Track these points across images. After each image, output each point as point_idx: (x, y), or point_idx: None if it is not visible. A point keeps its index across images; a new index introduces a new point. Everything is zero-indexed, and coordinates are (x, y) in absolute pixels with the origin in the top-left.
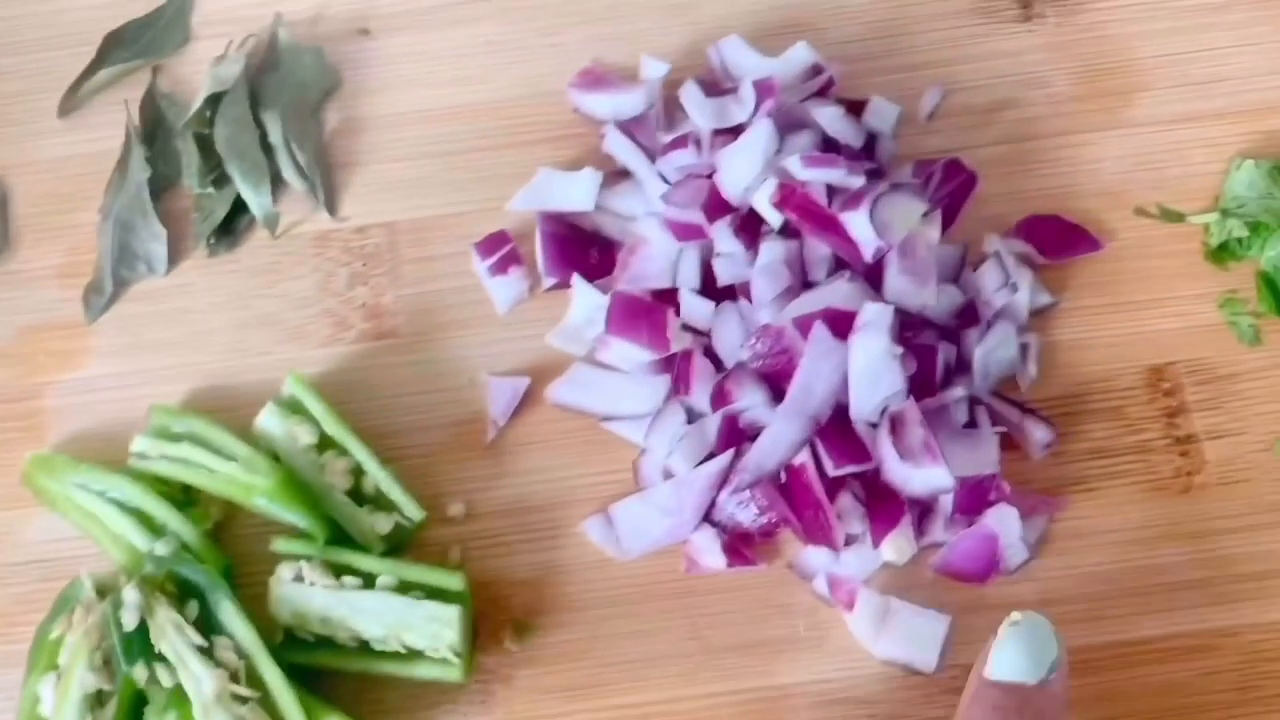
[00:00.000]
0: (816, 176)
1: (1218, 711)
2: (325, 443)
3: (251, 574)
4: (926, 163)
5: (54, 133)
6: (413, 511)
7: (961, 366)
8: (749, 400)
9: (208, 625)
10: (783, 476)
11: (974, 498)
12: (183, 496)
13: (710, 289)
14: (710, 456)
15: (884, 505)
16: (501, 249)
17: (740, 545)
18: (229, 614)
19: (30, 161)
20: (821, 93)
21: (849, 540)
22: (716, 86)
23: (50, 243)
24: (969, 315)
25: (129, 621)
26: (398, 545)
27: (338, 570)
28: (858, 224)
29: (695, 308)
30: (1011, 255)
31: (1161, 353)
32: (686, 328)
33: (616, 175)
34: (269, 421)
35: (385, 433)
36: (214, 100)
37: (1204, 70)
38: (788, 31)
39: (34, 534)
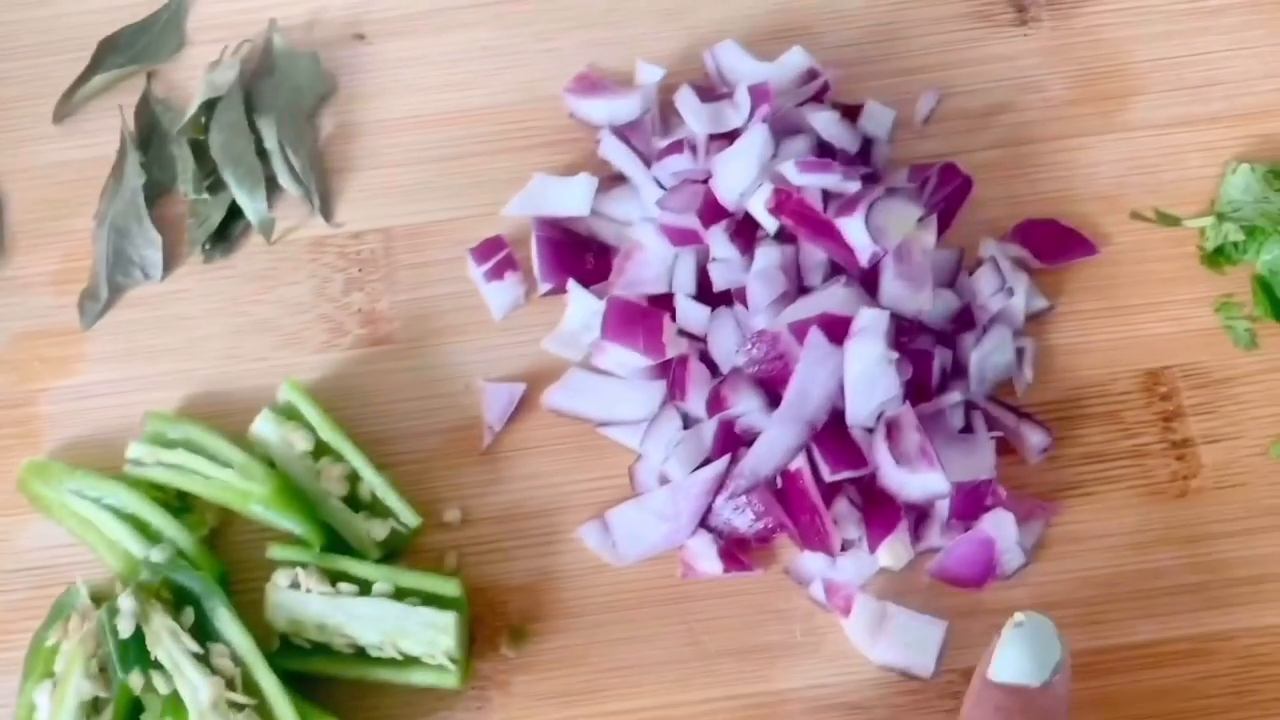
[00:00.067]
0: (812, 182)
1: (1214, 715)
2: (321, 449)
3: (247, 580)
4: (922, 167)
5: (49, 138)
6: (409, 517)
7: (957, 371)
8: (745, 405)
9: (203, 632)
10: (779, 482)
11: (970, 503)
12: (178, 503)
13: (706, 294)
14: (706, 462)
15: (880, 510)
16: (497, 254)
17: (736, 551)
18: (225, 621)
19: (25, 167)
20: (817, 97)
21: (845, 545)
22: (712, 91)
23: (45, 249)
24: (965, 320)
25: (125, 629)
26: (394, 551)
27: (334, 577)
28: (853, 229)
29: (691, 313)
30: (1007, 259)
31: (1157, 357)
32: (682, 333)
33: (612, 180)
34: (264, 428)
35: (381, 439)
36: (209, 106)
37: (1199, 74)
38: (783, 36)
39: (29, 541)
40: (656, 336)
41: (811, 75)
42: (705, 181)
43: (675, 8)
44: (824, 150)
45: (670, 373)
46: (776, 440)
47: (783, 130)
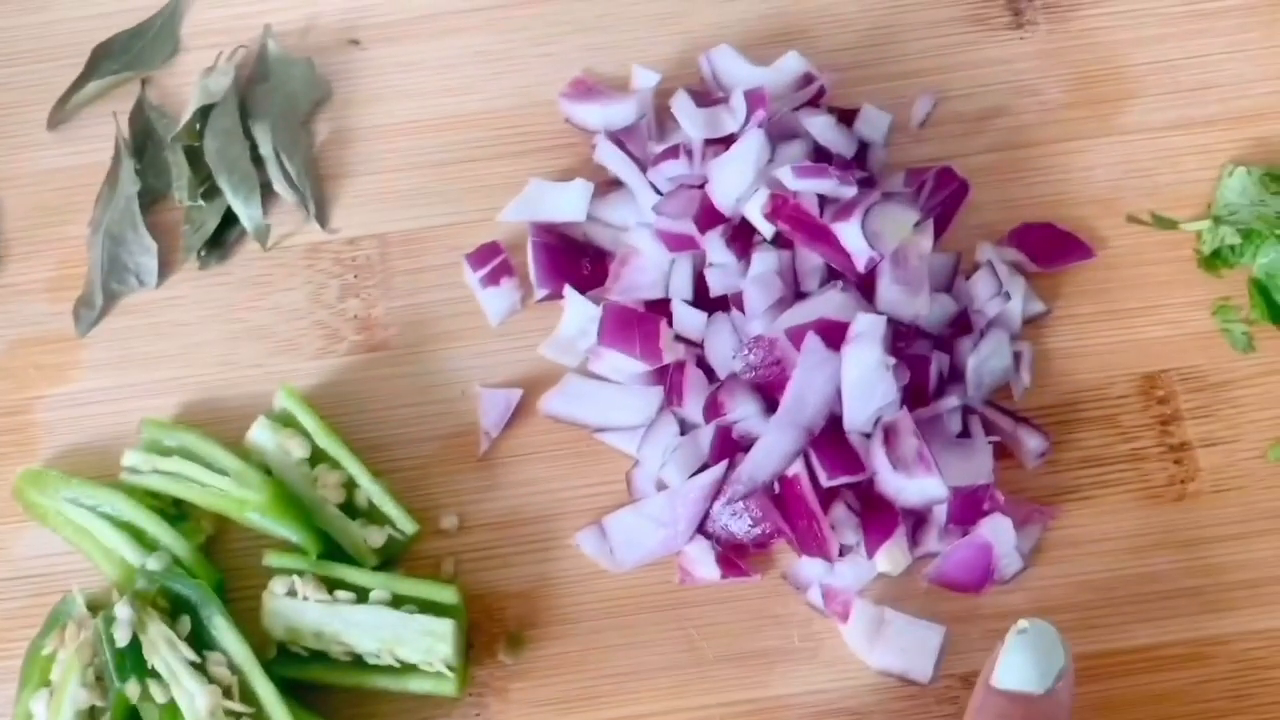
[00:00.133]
0: (808, 186)
1: (1212, 719)
2: (317, 456)
3: (244, 589)
4: (918, 171)
5: (43, 145)
6: (406, 524)
7: (955, 376)
8: (742, 411)
9: (200, 641)
10: (776, 487)
11: (968, 507)
12: (174, 511)
13: (703, 300)
14: (703, 468)
15: (878, 516)
16: (493, 260)
17: (734, 556)
18: (222, 629)
19: (19, 174)
20: (813, 102)
21: (843, 551)
22: (708, 96)
23: (40, 256)
24: (962, 324)
25: (121, 637)
26: (391, 558)
27: (330, 584)
28: (850, 234)
29: (688, 318)
30: (1004, 263)
31: (1155, 360)
32: (679, 339)
33: (608, 185)
34: (261, 435)
35: (377, 445)
36: (204, 112)
37: (1195, 77)
38: (779, 40)
39: (25, 549)
40: (653, 342)
41: (807, 79)
42: (701, 186)
43: (671, 12)
44: (820, 155)
45: (667, 378)
46: (774, 446)
47: (779, 135)
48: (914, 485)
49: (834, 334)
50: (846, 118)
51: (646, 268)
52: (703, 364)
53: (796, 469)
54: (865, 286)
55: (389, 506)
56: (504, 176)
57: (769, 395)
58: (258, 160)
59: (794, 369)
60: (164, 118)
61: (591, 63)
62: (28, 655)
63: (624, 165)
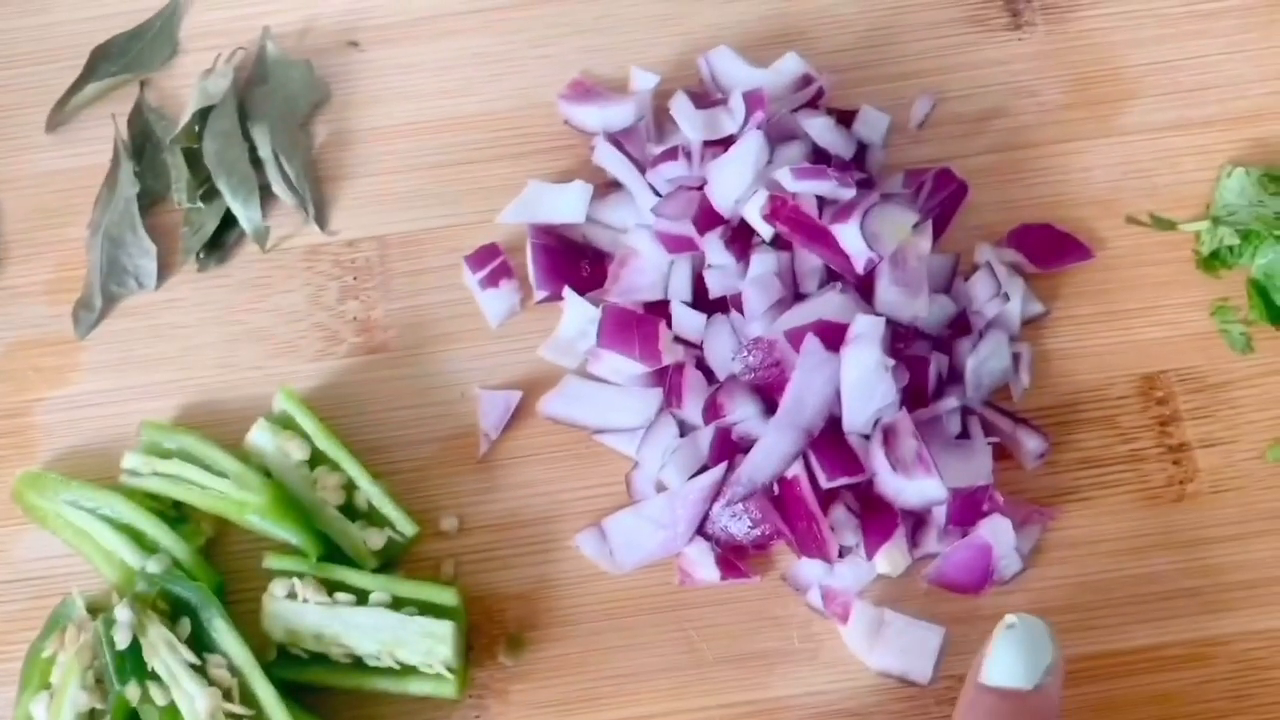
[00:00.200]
0: (807, 188)
1: None
2: (317, 458)
3: (244, 591)
4: (917, 172)
5: (42, 148)
6: (405, 526)
7: (954, 377)
8: (741, 413)
9: (200, 643)
10: (776, 489)
11: (967, 509)
12: (174, 513)
13: (702, 301)
14: (703, 469)
15: (878, 517)
16: (492, 262)
17: (734, 558)
18: (222, 631)
19: (18, 176)
20: (812, 103)
21: (843, 552)
22: (706, 98)
23: (39, 258)
24: (961, 325)
25: (121, 640)
26: (390, 560)
27: (330, 586)
28: (849, 235)
29: (687, 320)
30: (1003, 265)
31: (1153, 361)
32: (678, 340)
33: (607, 187)
34: (260, 437)
35: (377, 447)
36: (202, 114)
37: (1193, 78)
38: (777, 42)
39: (24, 552)
40: (652, 343)
41: (806, 81)
42: (700, 188)
43: (669, 14)
44: (819, 156)
45: (666, 380)
46: (773, 447)
47: (777, 136)
48: (913, 486)
49: (833, 335)
50: (845, 119)
51: (645, 269)
52: (702, 365)
53: (796, 470)
54: (864, 288)
55: (389, 508)
56: (503, 178)
57: (768, 397)
58: (256, 162)
59: (793, 370)
60: (163, 120)
61: (590, 64)
62: (28, 658)
63: (623, 167)
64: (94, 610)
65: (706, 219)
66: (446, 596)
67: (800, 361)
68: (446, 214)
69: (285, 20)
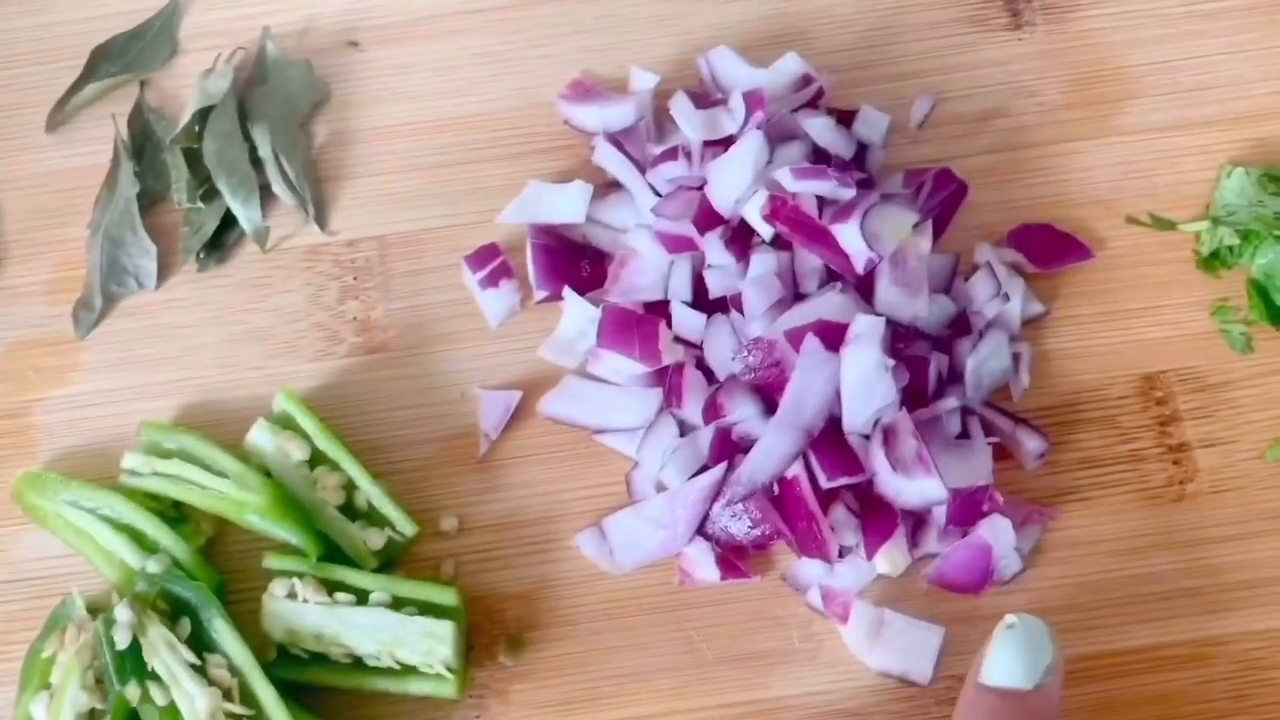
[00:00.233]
0: (807, 188)
1: None
2: (317, 458)
3: (244, 591)
4: (917, 172)
5: (42, 148)
6: (405, 526)
7: (954, 377)
8: (741, 413)
9: (200, 643)
10: (776, 489)
11: (967, 509)
12: (174, 513)
13: (702, 301)
14: (703, 469)
15: (878, 517)
16: (492, 262)
17: (734, 558)
18: (222, 631)
19: (18, 176)
20: (812, 103)
21: (843, 552)
22: (706, 98)
23: (39, 258)
24: (961, 325)
25: (121, 640)
26: (390, 560)
27: (330, 586)
28: (849, 236)
29: (687, 320)
30: (1003, 265)
31: (1153, 361)
32: (678, 340)
33: (607, 187)
34: (260, 437)
35: (377, 447)
36: (202, 114)
37: (1193, 78)
38: (777, 42)
39: (24, 552)
40: (652, 343)
41: (806, 81)
42: (700, 188)
43: (669, 14)
44: (819, 156)
45: (666, 380)
46: (773, 447)
47: (777, 136)
48: (913, 486)
49: (833, 335)
50: (845, 119)
51: (645, 269)
52: (702, 365)
53: (796, 470)
54: (864, 288)
55: (389, 508)
56: (503, 178)
57: (768, 397)
58: (256, 162)
59: (793, 370)
60: (163, 120)
61: (590, 64)
62: (28, 658)
63: (623, 167)
64: (94, 610)
65: (706, 219)
66: (446, 596)
67: (800, 361)
68: (446, 214)
69: (285, 20)
